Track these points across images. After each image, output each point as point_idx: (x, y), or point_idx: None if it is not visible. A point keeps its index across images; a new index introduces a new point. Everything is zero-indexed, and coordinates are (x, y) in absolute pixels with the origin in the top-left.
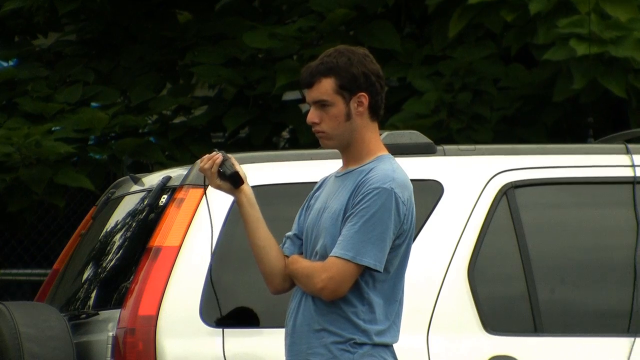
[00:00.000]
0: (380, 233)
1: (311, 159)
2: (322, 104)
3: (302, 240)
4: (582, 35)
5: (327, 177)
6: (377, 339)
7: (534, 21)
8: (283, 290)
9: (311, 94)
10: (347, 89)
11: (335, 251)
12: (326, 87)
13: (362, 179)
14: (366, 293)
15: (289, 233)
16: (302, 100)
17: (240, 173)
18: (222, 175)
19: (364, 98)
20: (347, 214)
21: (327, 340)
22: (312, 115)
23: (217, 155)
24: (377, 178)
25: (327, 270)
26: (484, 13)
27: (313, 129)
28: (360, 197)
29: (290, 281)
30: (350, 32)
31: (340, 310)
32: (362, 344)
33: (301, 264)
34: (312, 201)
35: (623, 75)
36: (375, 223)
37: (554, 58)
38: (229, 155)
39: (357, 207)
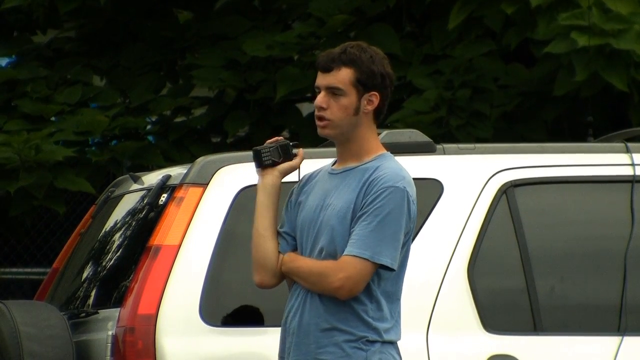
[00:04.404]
0: (394, 232)
1: (311, 157)
2: (334, 92)
3: (293, 237)
4: (583, 27)
5: (313, 174)
6: (386, 337)
7: (534, 15)
8: (269, 285)
9: (327, 79)
10: (363, 84)
11: (351, 250)
12: (344, 76)
13: (369, 177)
14: (374, 291)
15: (279, 230)
16: (302, 100)
17: (285, 165)
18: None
19: (375, 97)
20: (359, 213)
21: (339, 339)
22: (322, 100)
23: (282, 140)
24: (389, 177)
25: (343, 269)
26: (484, 6)
27: (317, 113)
28: (373, 195)
29: (279, 278)
30: (350, 34)
31: (351, 308)
32: (373, 342)
33: (306, 262)
34: (302, 197)
35: (624, 69)
36: (389, 222)
37: (555, 51)
38: (295, 145)
39: (370, 206)
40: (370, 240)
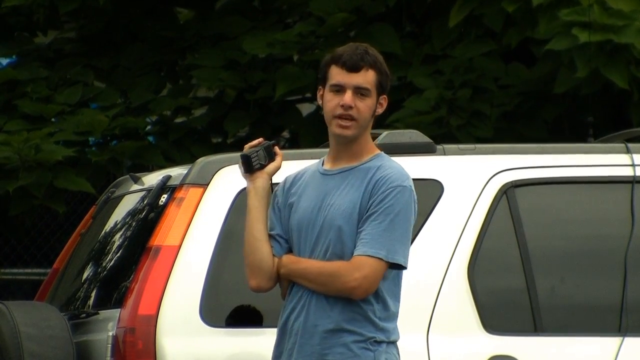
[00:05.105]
0: (405, 230)
1: (311, 158)
2: (362, 93)
3: (286, 239)
4: (585, 23)
5: (297, 175)
6: (391, 337)
7: (535, 13)
8: (266, 289)
9: (356, 79)
10: (381, 87)
11: (365, 250)
12: (371, 77)
13: (373, 176)
14: (380, 291)
15: (271, 233)
16: (302, 100)
17: (271, 166)
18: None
19: (385, 101)
20: (368, 212)
21: (347, 340)
22: (351, 99)
23: (265, 141)
24: (395, 176)
25: (359, 269)
26: (485, 4)
27: (343, 112)
28: (382, 195)
29: (274, 281)
30: (350, 33)
31: (359, 309)
32: (380, 342)
33: (313, 263)
34: (292, 199)
35: (625, 66)
36: (400, 221)
37: (556, 47)
38: (276, 146)
39: (380, 205)
40: (384, 239)
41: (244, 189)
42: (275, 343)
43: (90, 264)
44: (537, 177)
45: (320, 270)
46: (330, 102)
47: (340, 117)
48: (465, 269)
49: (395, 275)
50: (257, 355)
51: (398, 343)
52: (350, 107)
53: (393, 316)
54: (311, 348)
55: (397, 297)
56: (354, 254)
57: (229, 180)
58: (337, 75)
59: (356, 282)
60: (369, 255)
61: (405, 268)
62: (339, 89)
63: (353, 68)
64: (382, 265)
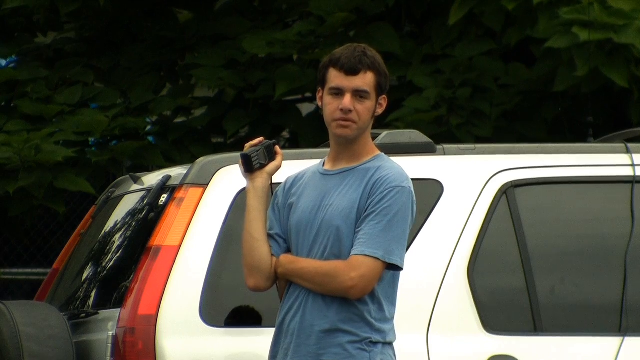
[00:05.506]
0: (402, 231)
1: (311, 158)
2: (360, 95)
3: (284, 239)
4: (585, 21)
5: (298, 175)
6: (387, 338)
7: (535, 12)
8: (264, 288)
9: (355, 82)
10: (380, 88)
11: (362, 250)
12: (370, 79)
13: (372, 177)
14: (376, 292)
15: (270, 232)
16: (302, 100)
17: (271, 165)
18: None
19: (384, 101)
20: (367, 212)
21: (343, 340)
22: (350, 103)
23: (265, 141)
24: (394, 177)
25: (355, 268)
26: (485, 2)
27: (342, 115)
28: (380, 195)
29: (272, 280)
30: (349, 33)
31: (355, 309)
32: (376, 343)
33: (310, 263)
34: (292, 199)
35: (625, 65)
36: (398, 221)
37: (556, 45)
38: (277, 146)
39: (378, 205)
40: (381, 239)
41: (244, 189)
42: (272, 343)
43: (90, 264)
44: (537, 177)
45: (318, 269)
46: (329, 105)
47: (340, 120)
48: (465, 269)
49: (391, 277)
50: (256, 356)
51: (397, 342)
52: (350, 111)
53: (390, 317)
54: (307, 348)
55: (393, 300)
56: (351, 254)
57: (228, 180)
58: (335, 78)
59: (353, 282)
60: (366, 255)
61: (401, 269)
62: (338, 92)
63: (351, 71)
64: (379, 265)
